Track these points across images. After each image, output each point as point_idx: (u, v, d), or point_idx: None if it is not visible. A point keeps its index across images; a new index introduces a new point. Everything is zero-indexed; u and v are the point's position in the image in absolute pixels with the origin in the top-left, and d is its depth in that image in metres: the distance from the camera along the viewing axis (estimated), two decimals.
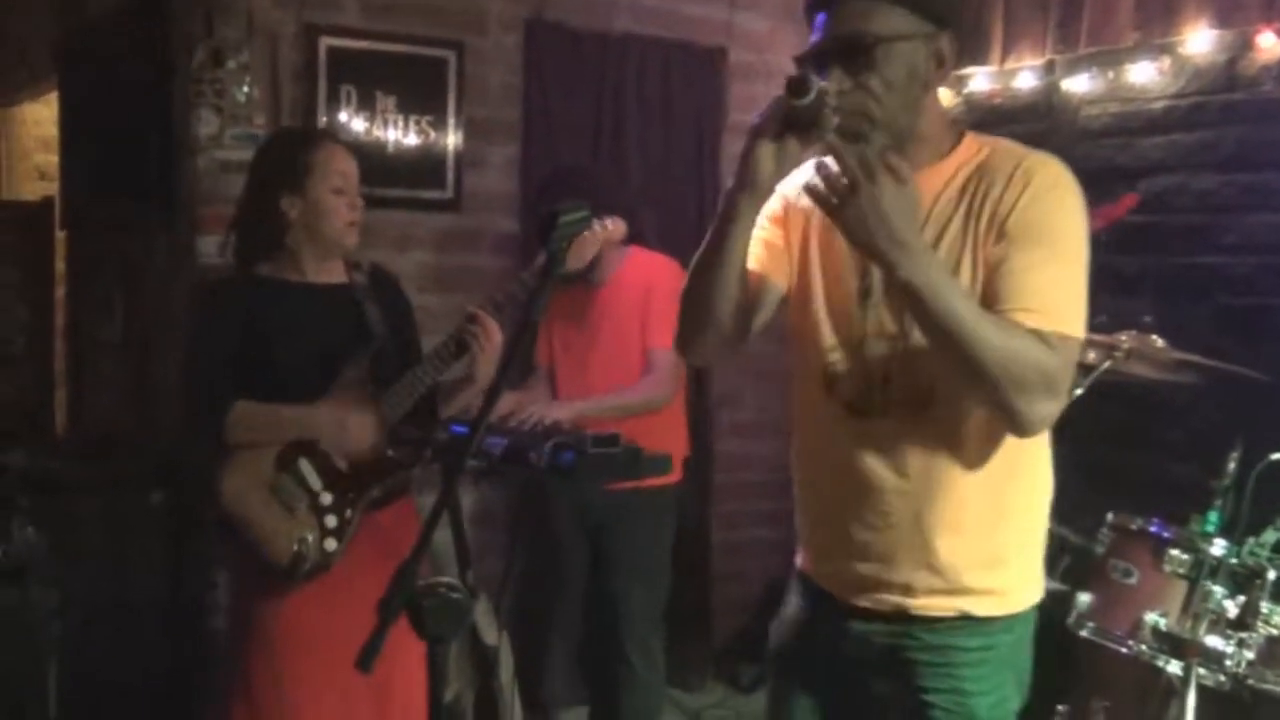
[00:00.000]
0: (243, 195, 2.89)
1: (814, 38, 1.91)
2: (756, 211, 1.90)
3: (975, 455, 1.90)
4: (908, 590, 1.95)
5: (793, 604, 2.18)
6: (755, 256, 2.03)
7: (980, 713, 1.93)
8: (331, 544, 2.69)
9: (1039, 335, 1.75)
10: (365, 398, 2.74)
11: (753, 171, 1.83)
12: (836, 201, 1.75)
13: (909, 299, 1.76)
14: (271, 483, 2.68)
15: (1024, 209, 1.80)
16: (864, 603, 1.99)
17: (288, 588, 2.68)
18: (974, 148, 1.92)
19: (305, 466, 2.71)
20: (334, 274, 2.85)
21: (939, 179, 1.90)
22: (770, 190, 1.88)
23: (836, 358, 1.98)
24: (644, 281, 3.52)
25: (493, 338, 2.73)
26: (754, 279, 2.03)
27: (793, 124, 1.79)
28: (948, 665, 1.93)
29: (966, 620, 1.93)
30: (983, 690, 1.94)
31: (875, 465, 1.94)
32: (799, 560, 2.17)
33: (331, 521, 2.70)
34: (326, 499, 2.70)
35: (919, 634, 1.95)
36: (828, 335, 1.99)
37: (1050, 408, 1.79)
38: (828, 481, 2.04)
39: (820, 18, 1.90)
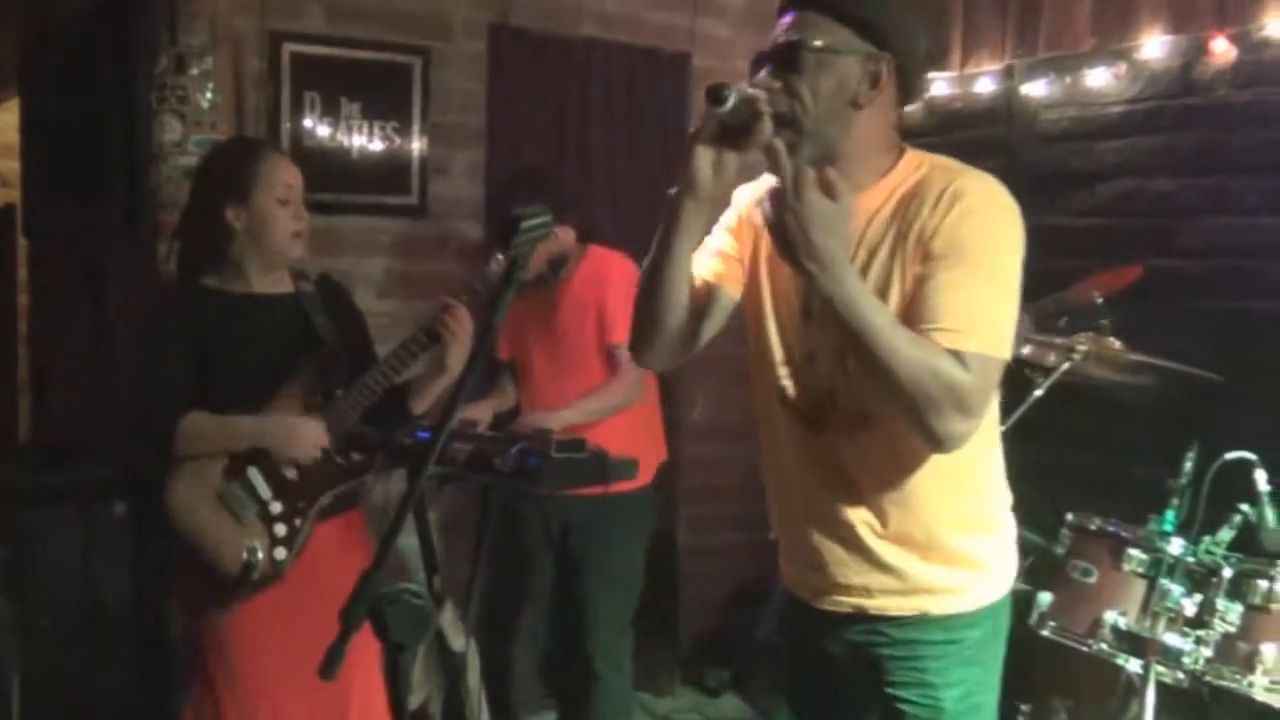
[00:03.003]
0: (186, 206, 2.90)
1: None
2: (700, 216, 1.94)
3: (921, 466, 1.93)
4: (865, 592, 2.00)
5: (781, 604, 2.23)
6: (709, 265, 2.10)
7: (948, 704, 1.98)
8: (281, 552, 2.69)
9: (955, 355, 1.77)
10: (313, 406, 2.75)
11: (692, 176, 1.89)
12: (773, 215, 1.79)
13: (831, 312, 1.79)
14: (220, 492, 2.69)
15: (949, 229, 1.82)
16: (826, 606, 2.05)
17: (239, 597, 2.67)
18: (911, 167, 1.94)
19: (254, 475, 2.71)
20: (280, 284, 2.86)
21: (874, 201, 1.92)
22: (710, 195, 1.91)
23: (786, 373, 2.02)
24: (597, 278, 3.53)
25: (464, 325, 2.72)
26: (705, 287, 2.08)
27: (726, 131, 1.85)
28: (914, 659, 1.98)
29: (927, 617, 1.98)
30: (949, 682, 1.98)
31: (826, 476, 1.99)
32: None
33: (281, 530, 2.70)
34: (276, 507, 2.71)
35: (885, 630, 2.00)
36: (778, 350, 2.03)
37: (962, 426, 1.79)
38: (787, 490, 2.10)
39: (780, 22, 1.96)
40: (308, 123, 4.13)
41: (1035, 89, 4.08)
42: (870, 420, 1.92)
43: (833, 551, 2.01)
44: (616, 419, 3.53)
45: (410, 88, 4.29)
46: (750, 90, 1.84)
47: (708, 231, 2.08)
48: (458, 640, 3.53)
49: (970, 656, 2.00)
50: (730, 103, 1.81)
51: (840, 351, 1.90)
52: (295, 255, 2.83)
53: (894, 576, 1.97)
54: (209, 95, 3.85)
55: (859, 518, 1.97)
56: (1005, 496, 2.08)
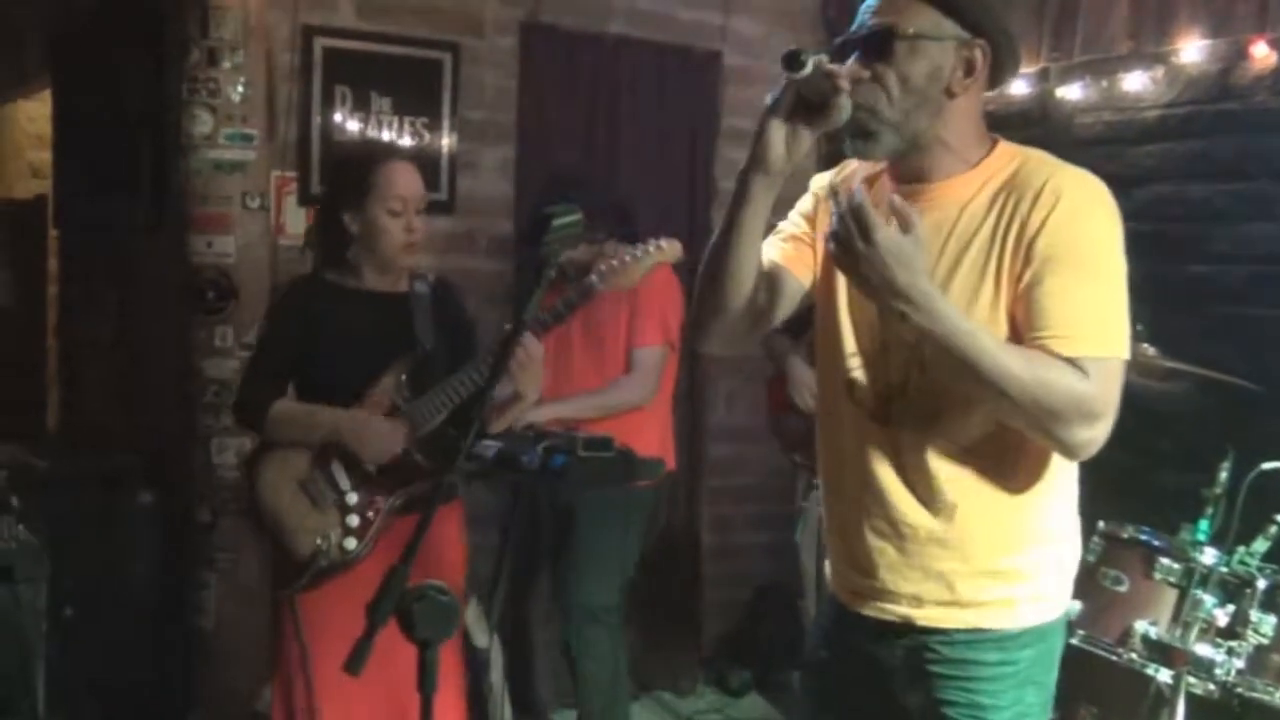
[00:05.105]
0: (318, 204, 3.08)
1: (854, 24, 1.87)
2: (770, 194, 1.85)
3: (988, 466, 1.86)
4: (915, 601, 1.91)
5: (824, 611, 2.16)
6: (780, 248, 2.03)
7: None
8: (351, 543, 2.77)
9: (1072, 363, 1.72)
10: (400, 405, 2.81)
11: (763, 152, 1.80)
12: (842, 252, 1.72)
13: (926, 341, 1.74)
14: (304, 479, 2.80)
15: (1053, 230, 1.75)
16: (870, 612, 1.97)
17: (305, 581, 2.76)
18: (1005, 159, 1.86)
19: (337, 466, 2.80)
20: (394, 283, 2.93)
21: (966, 190, 1.85)
22: (782, 172, 1.82)
23: (857, 364, 1.94)
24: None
25: (534, 354, 2.75)
26: (775, 269, 2.00)
27: (802, 105, 1.76)
28: (966, 679, 1.90)
29: (980, 633, 1.89)
30: (1001, 705, 1.90)
31: (888, 473, 1.90)
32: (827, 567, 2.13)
33: (354, 521, 2.79)
34: (353, 499, 2.80)
35: (937, 646, 1.91)
36: (849, 341, 1.95)
37: (1091, 433, 1.74)
38: (843, 487, 2.00)
39: (865, 4, 1.86)
40: (338, 117, 4.13)
41: (1070, 92, 4.04)
42: (942, 415, 1.84)
43: (885, 554, 1.92)
44: (631, 417, 3.50)
45: (441, 83, 4.30)
46: (828, 63, 1.74)
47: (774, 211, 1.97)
48: (481, 637, 3.53)
49: (1025, 677, 1.91)
50: (808, 68, 1.70)
51: (918, 344, 1.80)
52: (406, 263, 2.91)
53: (946, 586, 1.89)
54: (240, 89, 3.86)
55: (919, 521, 1.88)
56: (1073, 510, 1.99)
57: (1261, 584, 2.87)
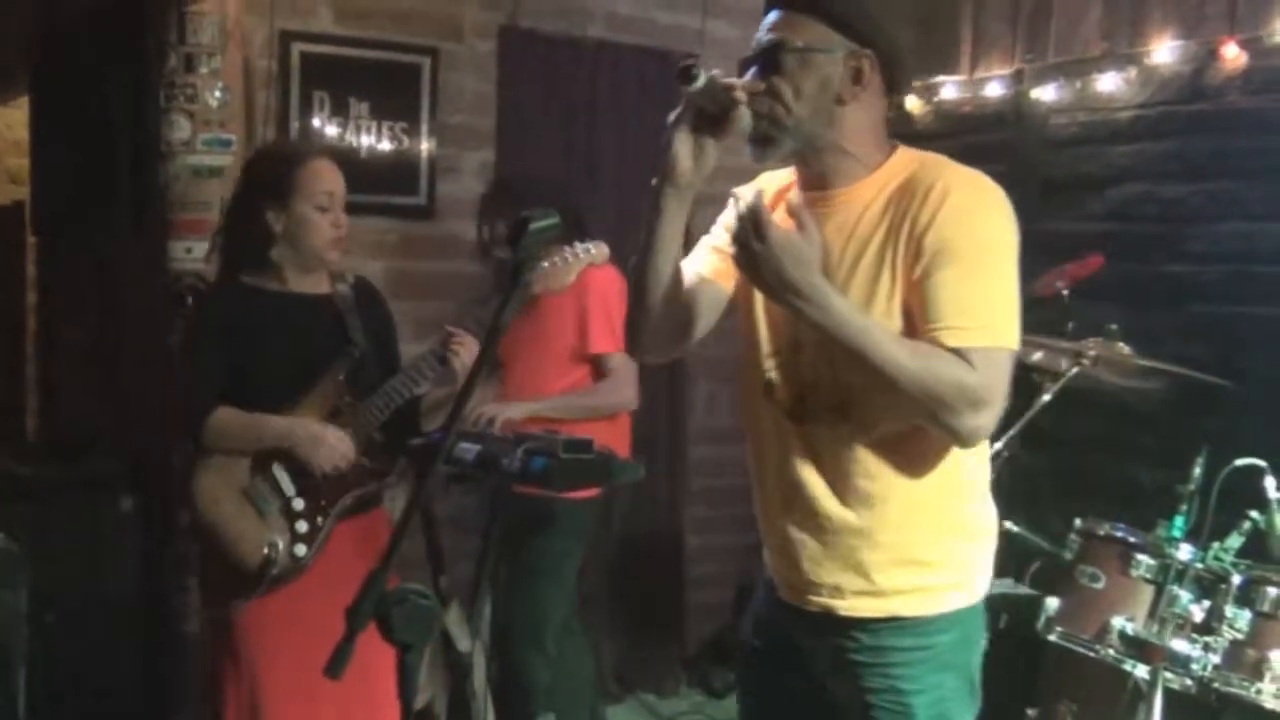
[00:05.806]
0: (229, 205, 2.95)
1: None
2: (682, 205, 1.98)
3: (898, 459, 1.94)
4: (836, 592, 1.99)
5: (760, 600, 2.22)
6: (704, 260, 2.14)
7: (918, 711, 1.96)
8: (301, 549, 2.73)
9: (959, 353, 1.80)
10: (340, 407, 2.79)
11: (671, 165, 1.94)
12: (740, 252, 1.82)
13: (821, 335, 1.83)
14: (245, 486, 2.74)
15: (939, 226, 1.84)
16: (796, 602, 2.05)
17: (257, 591, 2.70)
18: (904, 163, 1.95)
19: (279, 471, 2.75)
20: (317, 285, 2.89)
21: (865, 194, 1.94)
22: (691, 185, 1.95)
23: (772, 364, 2.03)
24: (578, 284, 3.47)
25: (473, 352, 2.75)
26: (699, 281, 2.11)
27: (705, 118, 1.90)
28: (885, 665, 1.97)
29: (897, 620, 1.96)
30: (919, 689, 1.96)
31: (806, 468, 1.99)
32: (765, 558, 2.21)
33: (302, 527, 2.74)
34: (299, 504, 2.75)
35: (857, 635, 1.98)
36: (766, 342, 2.04)
37: (978, 421, 1.82)
38: (767, 483, 2.09)
39: (763, 22, 1.98)
40: (316, 122, 4.13)
41: (1045, 93, 4.08)
42: (850, 412, 1.93)
43: (806, 547, 2.01)
44: (595, 422, 3.47)
45: (419, 88, 4.30)
46: (721, 76, 1.87)
47: (690, 219, 2.08)
48: (463, 641, 3.52)
49: (944, 661, 1.98)
50: (700, 81, 1.84)
51: (824, 342, 1.88)
52: (332, 260, 2.86)
53: (864, 576, 1.96)
54: (218, 94, 3.85)
55: (834, 513, 1.97)
56: (986, 503, 2.07)
57: (1236, 579, 2.90)
